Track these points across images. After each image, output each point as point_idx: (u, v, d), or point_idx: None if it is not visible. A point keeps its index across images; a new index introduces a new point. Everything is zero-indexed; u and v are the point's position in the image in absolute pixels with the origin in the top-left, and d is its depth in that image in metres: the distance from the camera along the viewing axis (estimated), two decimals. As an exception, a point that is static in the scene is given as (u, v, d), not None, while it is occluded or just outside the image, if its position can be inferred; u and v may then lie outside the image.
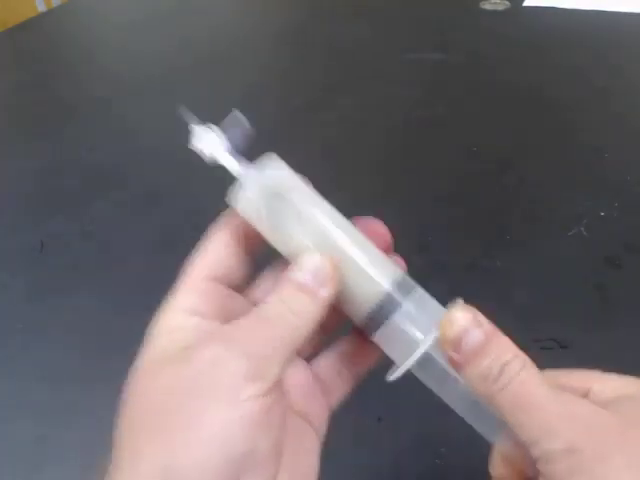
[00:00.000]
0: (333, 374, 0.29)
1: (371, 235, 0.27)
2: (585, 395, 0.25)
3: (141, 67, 0.94)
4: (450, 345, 0.23)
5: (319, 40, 0.97)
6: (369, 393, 0.40)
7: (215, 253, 0.27)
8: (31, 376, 0.45)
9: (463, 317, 0.24)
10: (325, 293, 0.24)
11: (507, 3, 1.02)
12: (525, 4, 1.01)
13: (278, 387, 0.23)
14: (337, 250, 0.25)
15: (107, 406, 0.42)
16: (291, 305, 0.24)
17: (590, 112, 0.71)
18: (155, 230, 0.58)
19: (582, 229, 0.53)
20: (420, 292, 0.27)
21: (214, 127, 0.28)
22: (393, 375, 0.25)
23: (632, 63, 0.82)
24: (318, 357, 0.29)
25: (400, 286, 0.26)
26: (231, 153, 0.27)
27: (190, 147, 0.28)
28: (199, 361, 0.22)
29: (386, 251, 0.27)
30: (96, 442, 0.40)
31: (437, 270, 0.50)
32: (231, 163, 0.27)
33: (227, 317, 0.25)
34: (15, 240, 0.59)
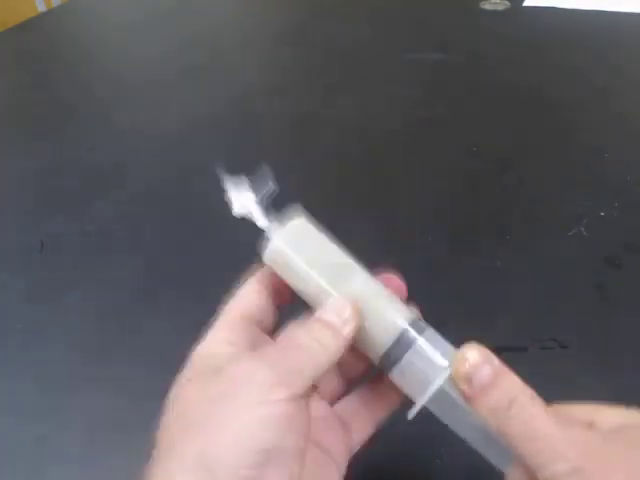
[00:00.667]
0: (354, 415, 0.32)
1: (388, 285, 0.30)
2: (589, 426, 0.26)
3: (141, 67, 0.94)
4: (463, 380, 0.26)
5: (319, 40, 0.97)
6: (369, 393, 0.40)
7: (248, 297, 0.30)
8: (31, 376, 0.45)
9: (475, 354, 0.26)
10: (347, 330, 0.28)
11: (507, 3, 1.02)
12: (525, 4, 1.01)
13: (303, 400, 0.26)
14: (357, 294, 0.29)
15: (107, 406, 0.42)
16: (317, 337, 0.27)
17: (590, 112, 0.71)
18: (155, 230, 0.58)
19: (582, 229, 0.53)
20: (432, 332, 0.29)
21: (245, 182, 0.31)
22: (411, 412, 0.28)
23: (632, 63, 0.82)
24: (341, 400, 0.32)
25: (414, 325, 0.28)
26: (259, 206, 0.30)
27: (233, 213, 0.30)
28: (232, 373, 0.26)
29: (401, 298, 0.30)
30: (96, 442, 0.40)
31: (437, 270, 0.50)
32: (260, 217, 0.30)
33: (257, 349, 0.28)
34: (15, 240, 0.59)
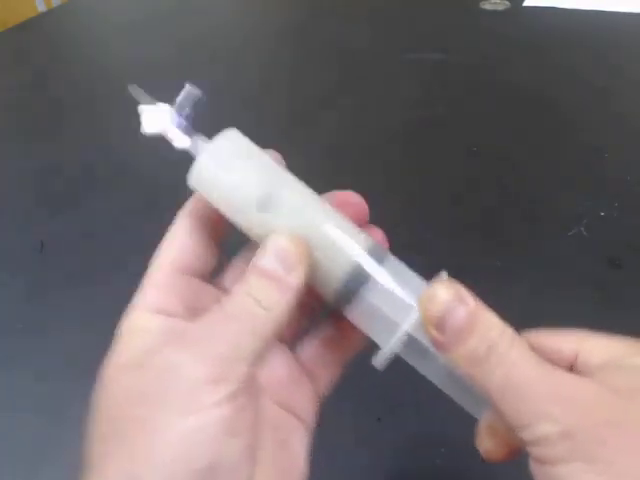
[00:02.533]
0: (317, 361, 0.27)
1: (344, 206, 0.26)
2: (573, 359, 0.24)
3: (141, 67, 0.94)
4: (433, 324, 0.22)
5: (319, 40, 0.97)
6: (369, 393, 0.40)
7: (180, 242, 0.26)
8: (31, 376, 0.45)
9: (446, 293, 0.22)
10: (294, 279, 0.22)
11: (507, 3, 1.02)
12: (525, 4, 1.01)
13: (248, 387, 0.22)
14: (300, 220, 0.23)
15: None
16: (257, 296, 0.22)
17: (590, 112, 0.71)
18: (155, 230, 0.58)
19: (582, 229, 0.53)
20: (394, 262, 0.25)
21: (163, 104, 0.27)
22: (377, 361, 0.23)
23: (632, 63, 0.82)
24: (301, 343, 0.28)
25: (372, 254, 0.24)
26: (182, 129, 0.26)
27: (141, 131, 0.26)
28: (154, 367, 0.21)
29: (362, 222, 0.26)
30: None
31: (437, 270, 0.50)
32: (179, 137, 0.26)
33: (196, 312, 0.24)
34: (15, 240, 0.59)
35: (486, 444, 0.24)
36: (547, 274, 0.49)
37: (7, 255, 0.57)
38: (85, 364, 0.46)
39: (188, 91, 0.27)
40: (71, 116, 0.81)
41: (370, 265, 0.23)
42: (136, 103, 0.27)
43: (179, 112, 0.27)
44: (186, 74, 0.89)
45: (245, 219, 0.24)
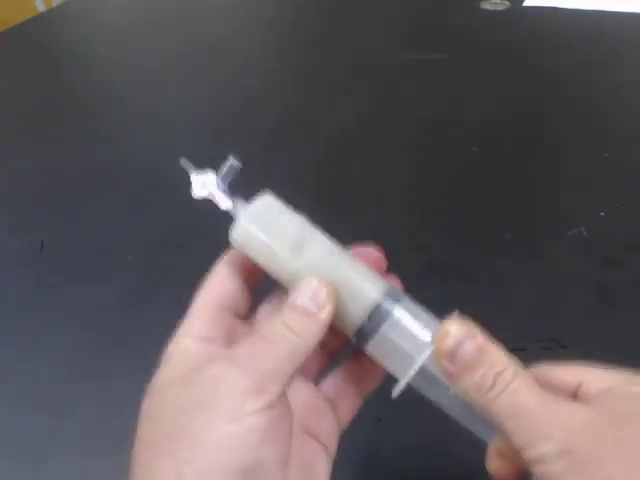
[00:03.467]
0: (340, 392, 0.30)
1: (366, 259, 0.29)
2: (576, 389, 0.26)
3: (141, 67, 0.94)
4: (445, 357, 0.25)
5: (319, 40, 0.97)
6: (369, 393, 0.40)
7: (220, 285, 0.29)
8: (31, 375, 0.45)
9: (457, 330, 0.25)
10: (324, 314, 0.26)
11: (507, 3, 1.02)
12: (525, 4, 1.01)
13: (282, 402, 0.25)
14: (327, 267, 0.27)
15: (108, 401, 0.42)
16: (293, 326, 0.25)
17: (590, 112, 0.71)
18: (155, 230, 0.58)
19: (582, 229, 0.53)
20: (408, 302, 0.27)
21: (211, 174, 0.31)
22: (395, 391, 0.26)
23: (632, 63, 0.82)
24: (325, 378, 0.31)
25: (388, 296, 0.27)
26: (226, 194, 0.30)
27: (192, 194, 0.30)
28: (201, 381, 0.24)
29: (380, 272, 0.29)
30: (98, 437, 0.40)
31: (437, 270, 0.50)
32: (224, 201, 0.30)
33: (233, 342, 0.27)
34: (15, 240, 0.59)
35: (495, 465, 0.27)
36: (547, 274, 0.49)
37: (7, 255, 0.57)
38: (85, 364, 0.46)
39: (231, 164, 0.31)
40: (71, 116, 0.81)
41: (388, 305, 0.27)
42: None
43: (223, 180, 0.31)
44: (186, 75, 0.89)
45: (278, 268, 0.28)
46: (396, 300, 0.27)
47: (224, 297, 0.29)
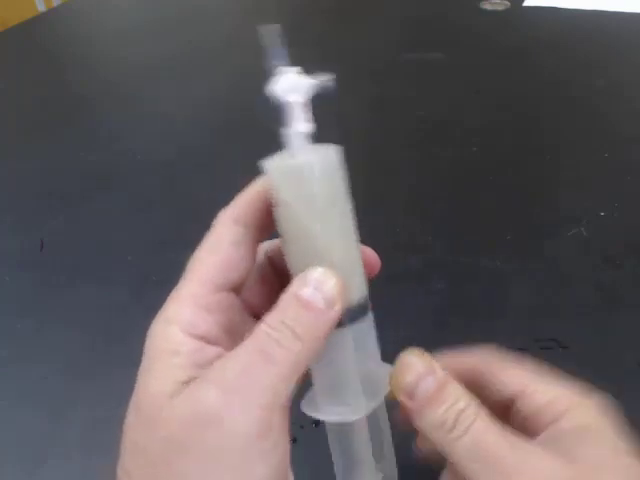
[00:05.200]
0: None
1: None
2: (512, 401, 0.25)
3: (141, 67, 0.94)
4: (404, 392, 0.23)
5: (318, 40, 0.97)
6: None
7: (225, 255, 0.24)
8: (31, 376, 0.45)
9: (418, 364, 0.23)
10: (333, 311, 0.22)
11: (507, 3, 1.02)
12: (525, 4, 1.01)
13: (282, 423, 0.22)
14: (340, 262, 0.23)
15: (108, 402, 0.42)
16: (296, 328, 0.21)
17: (590, 112, 0.71)
18: (155, 230, 0.58)
19: (582, 229, 0.53)
20: (367, 325, 0.24)
21: (307, 78, 0.24)
22: (311, 412, 0.24)
23: (633, 63, 0.82)
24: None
25: (349, 313, 0.23)
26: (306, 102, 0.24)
27: (272, 90, 0.24)
28: (195, 414, 0.20)
29: (371, 274, 0.27)
30: (97, 438, 0.40)
31: (437, 270, 0.50)
32: (305, 119, 0.24)
33: (230, 333, 0.24)
34: (15, 240, 0.59)
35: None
36: (547, 274, 0.49)
37: (7, 255, 0.57)
38: (85, 364, 0.46)
39: (327, 80, 0.25)
40: (71, 116, 0.81)
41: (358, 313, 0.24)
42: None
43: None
44: (185, 76, 0.89)
45: (296, 234, 0.23)
46: (354, 317, 0.24)
47: (228, 273, 0.24)
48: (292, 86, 0.24)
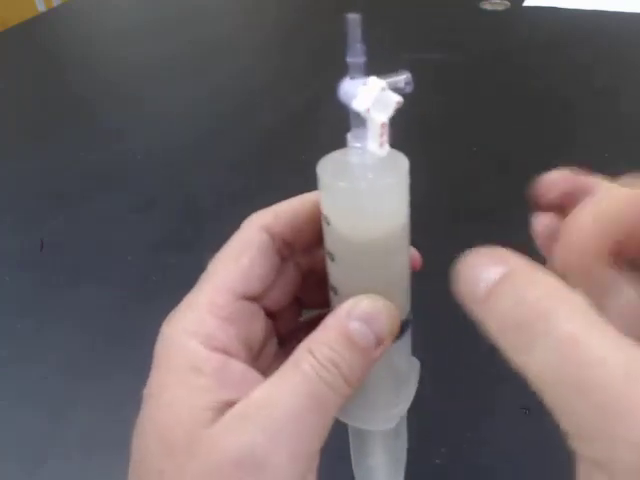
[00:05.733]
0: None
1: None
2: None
3: (141, 67, 0.94)
4: (465, 295, 0.18)
5: (319, 40, 0.97)
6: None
7: (250, 264, 0.22)
8: (31, 376, 0.45)
9: (481, 254, 0.18)
10: (383, 349, 0.20)
11: (507, 3, 1.02)
12: (525, 4, 1.01)
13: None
14: (393, 285, 0.22)
15: (108, 403, 0.42)
16: (347, 371, 0.19)
17: (590, 112, 0.71)
18: (155, 230, 0.58)
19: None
20: (405, 338, 0.23)
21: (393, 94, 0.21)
22: (338, 413, 0.22)
23: (633, 63, 0.82)
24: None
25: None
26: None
27: (355, 105, 0.21)
28: (247, 459, 0.18)
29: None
30: (97, 438, 0.40)
31: (436, 271, 0.50)
32: (383, 140, 0.21)
33: (249, 345, 0.22)
34: (15, 240, 0.59)
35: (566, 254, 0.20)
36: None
37: (7, 255, 0.57)
38: (85, 364, 0.46)
39: (405, 79, 0.21)
40: (71, 116, 0.81)
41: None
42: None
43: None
44: (185, 76, 0.89)
45: (361, 253, 0.21)
46: (404, 330, 0.22)
47: (251, 283, 0.22)
48: (375, 102, 0.21)
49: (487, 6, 1.02)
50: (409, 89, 0.20)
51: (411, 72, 0.21)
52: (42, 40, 1.08)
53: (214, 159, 0.68)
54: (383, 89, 0.20)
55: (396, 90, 0.21)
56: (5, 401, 0.43)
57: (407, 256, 0.23)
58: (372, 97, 0.20)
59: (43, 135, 0.77)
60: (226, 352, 0.21)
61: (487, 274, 0.17)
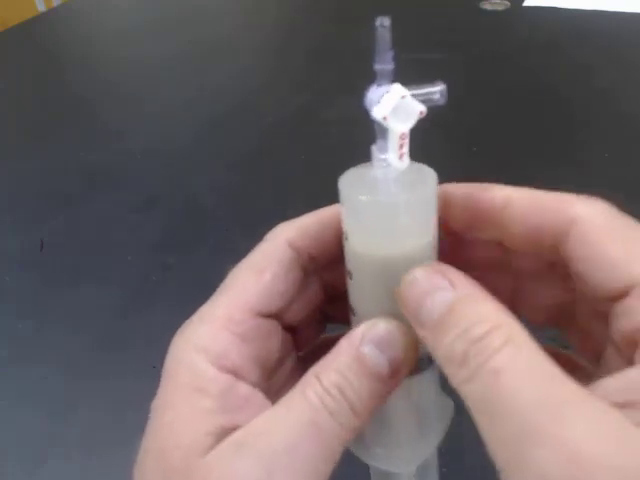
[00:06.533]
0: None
1: None
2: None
3: (141, 67, 0.94)
4: (411, 317, 0.18)
5: (319, 40, 0.97)
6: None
7: (271, 281, 0.20)
8: (31, 375, 0.45)
9: (423, 277, 0.18)
10: (395, 383, 0.18)
11: (507, 3, 1.02)
12: (525, 4, 1.01)
13: None
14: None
15: (108, 403, 0.42)
16: (355, 401, 0.18)
17: (591, 112, 0.71)
18: (155, 230, 0.58)
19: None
20: (431, 373, 0.21)
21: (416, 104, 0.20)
22: (359, 452, 0.21)
23: (633, 63, 0.82)
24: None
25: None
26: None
27: (374, 113, 0.20)
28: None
29: None
30: (97, 438, 0.40)
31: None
32: (403, 151, 0.19)
33: (264, 365, 0.21)
34: (15, 240, 0.59)
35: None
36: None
37: (7, 255, 0.57)
38: (85, 364, 0.46)
39: (440, 90, 0.20)
40: (71, 116, 0.81)
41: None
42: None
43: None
44: (185, 76, 0.89)
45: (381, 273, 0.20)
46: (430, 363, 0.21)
47: (271, 300, 0.21)
48: (394, 111, 0.20)
49: (487, 6, 1.02)
50: (442, 101, 0.20)
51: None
52: (42, 40, 1.08)
53: (214, 159, 0.68)
54: (404, 97, 0.20)
55: (428, 102, 0.20)
56: (5, 401, 0.43)
57: None
58: (390, 105, 0.20)
59: (43, 135, 0.77)
60: (235, 372, 0.20)
61: (432, 302, 0.17)
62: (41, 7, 2.07)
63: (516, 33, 0.92)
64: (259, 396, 0.20)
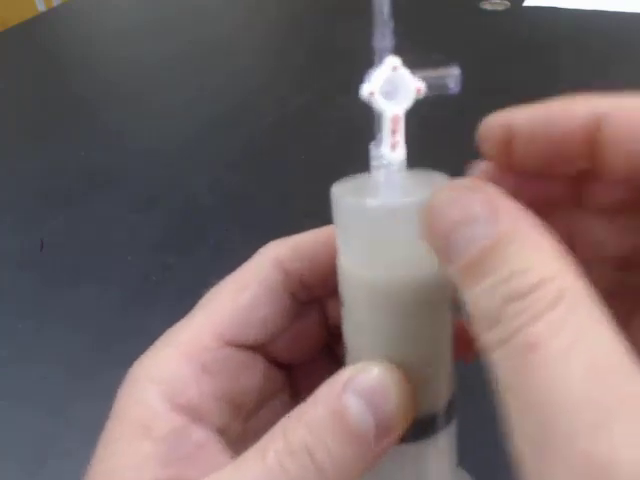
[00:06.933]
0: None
1: None
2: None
3: (141, 67, 0.94)
4: (437, 250, 0.14)
5: (319, 40, 0.97)
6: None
7: (254, 301, 0.17)
8: (31, 376, 0.45)
9: (460, 200, 0.13)
10: (382, 447, 0.14)
11: (507, 3, 1.02)
12: (525, 4, 1.01)
13: None
14: (418, 356, 0.15)
15: (108, 403, 0.42)
16: (327, 467, 0.14)
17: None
18: (155, 230, 0.58)
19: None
20: (445, 439, 0.17)
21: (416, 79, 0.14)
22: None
23: (633, 64, 0.82)
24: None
25: (420, 426, 0.16)
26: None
27: (362, 91, 0.16)
28: None
29: None
30: (97, 438, 0.40)
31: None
32: (400, 141, 0.14)
33: (234, 403, 0.17)
34: (15, 240, 0.59)
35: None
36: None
37: (7, 255, 0.57)
38: (85, 364, 0.46)
39: (453, 74, 0.15)
40: (71, 116, 0.81)
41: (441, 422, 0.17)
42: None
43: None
44: (185, 76, 0.89)
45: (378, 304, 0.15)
46: (441, 425, 0.16)
47: (247, 324, 0.17)
48: (387, 87, 0.14)
49: (487, 6, 1.02)
50: (456, 90, 0.14)
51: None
52: (42, 40, 1.08)
53: (214, 159, 0.68)
54: (395, 68, 0.14)
55: (438, 88, 0.14)
56: (5, 401, 0.43)
57: (446, 316, 0.16)
58: (380, 79, 0.14)
59: (43, 135, 0.77)
60: (192, 411, 0.17)
61: (472, 232, 0.13)
62: (41, 7, 2.07)
63: (516, 33, 0.92)
64: (216, 444, 0.16)
